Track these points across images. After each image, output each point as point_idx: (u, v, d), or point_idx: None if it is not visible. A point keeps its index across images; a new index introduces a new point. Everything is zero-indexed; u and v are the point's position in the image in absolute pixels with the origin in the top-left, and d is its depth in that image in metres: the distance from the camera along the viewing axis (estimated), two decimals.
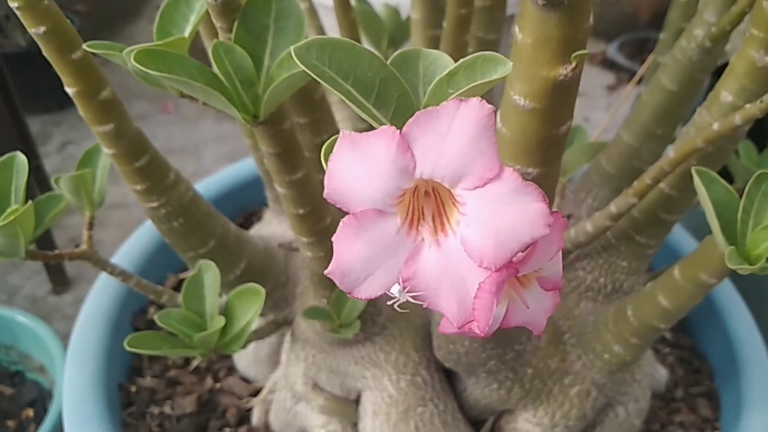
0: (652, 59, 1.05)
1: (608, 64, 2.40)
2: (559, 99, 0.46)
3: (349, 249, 0.32)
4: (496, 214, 0.31)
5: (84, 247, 0.75)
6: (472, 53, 0.37)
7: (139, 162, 0.68)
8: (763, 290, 1.02)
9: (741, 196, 0.53)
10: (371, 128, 0.32)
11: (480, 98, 0.31)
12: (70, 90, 0.63)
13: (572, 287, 0.80)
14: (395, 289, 0.33)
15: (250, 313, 0.68)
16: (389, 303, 0.33)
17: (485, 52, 0.37)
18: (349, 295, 0.33)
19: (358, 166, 0.31)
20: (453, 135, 0.31)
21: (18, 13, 0.57)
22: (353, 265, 0.32)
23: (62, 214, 0.74)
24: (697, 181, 0.50)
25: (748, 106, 0.56)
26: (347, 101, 0.35)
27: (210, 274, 0.70)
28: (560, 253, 0.37)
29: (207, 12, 0.55)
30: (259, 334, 0.81)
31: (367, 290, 0.32)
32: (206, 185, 1.13)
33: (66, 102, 1.56)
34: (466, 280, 0.32)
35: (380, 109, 0.36)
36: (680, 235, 1.02)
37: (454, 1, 0.73)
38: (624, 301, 0.71)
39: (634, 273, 0.78)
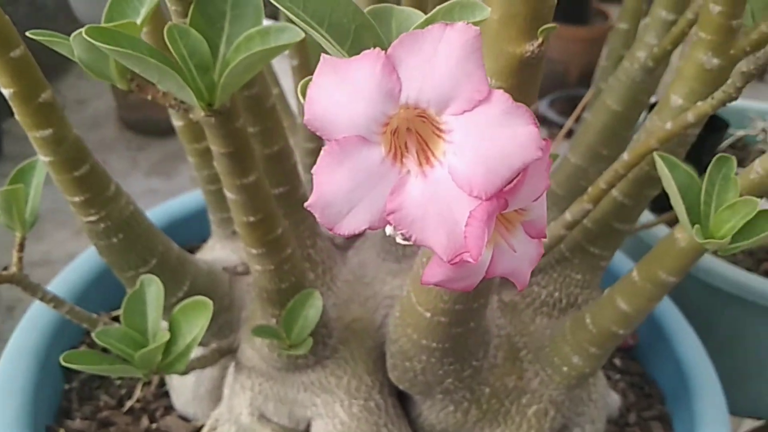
0: (579, 112, 1.09)
1: (540, 119, 2.47)
2: (525, 78, 0.46)
3: (331, 178, 0.30)
4: (486, 138, 0.30)
5: (13, 269, 0.71)
6: None
7: (79, 171, 0.64)
8: (707, 315, 1.03)
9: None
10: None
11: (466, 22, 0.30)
12: (6, 91, 0.59)
13: (527, 303, 0.78)
14: (389, 230, 0.31)
15: (197, 329, 0.65)
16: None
17: None
18: (330, 231, 0.30)
19: (341, 90, 0.29)
20: (439, 57, 0.29)
21: None
22: (335, 196, 0.30)
23: None
24: (660, 164, 0.50)
25: (699, 103, 0.57)
26: (324, 45, 0.34)
27: (153, 288, 0.66)
28: (545, 195, 0.35)
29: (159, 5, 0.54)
30: (201, 363, 0.76)
31: (350, 224, 0.30)
32: None
33: None
34: (455, 210, 0.30)
35: None
36: (623, 262, 1.03)
37: None
38: (582, 310, 0.71)
39: (588, 286, 0.77)
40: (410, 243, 0.31)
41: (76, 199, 0.66)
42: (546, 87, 2.55)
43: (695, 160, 1.08)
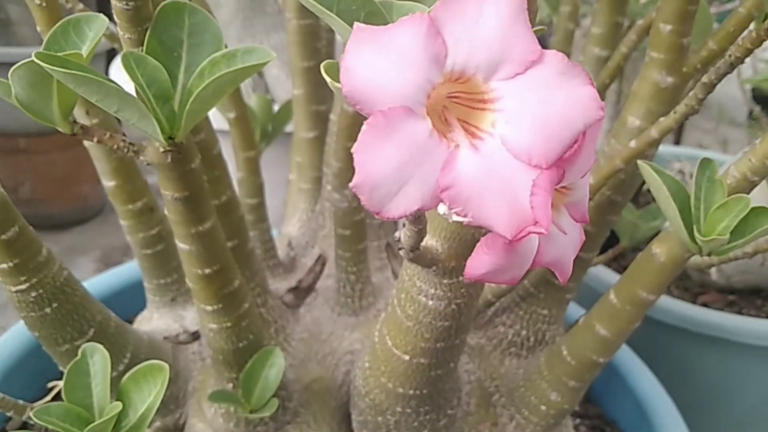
0: None
1: None
2: None
3: (378, 155, 0.26)
4: (543, 102, 0.27)
5: None
6: None
7: (7, 234, 0.58)
8: (655, 350, 1.03)
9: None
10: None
11: None
12: None
13: (494, 345, 0.76)
14: (442, 209, 0.28)
15: (151, 397, 0.58)
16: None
17: None
18: (377, 216, 0.27)
19: (383, 57, 0.26)
20: (486, 18, 0.27)
21: None
22: (384, 175, 0.26)
23: None
24: (648, 170, 0.49)
25: (662, 119, 0.57)
26: (336, 28, 0.31)
27: (97, 357, 0.59)
28: (589, 173, 0.33)
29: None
30: None
31: (401, 205, 0.26)
32: None
33: None
34: (515, 182, 0.28)
35: None
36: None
37: None
38: (556, 342, 0.68)
39: (555, 321, 0.75)
40: (465, 219, 0.28)
41: (4, 265, 0.59)
42: None
43: (634, 199, 1.11)
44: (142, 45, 0.46)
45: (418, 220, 0.41)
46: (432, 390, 0.62)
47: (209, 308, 0.61)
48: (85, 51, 0.48)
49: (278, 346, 0.68)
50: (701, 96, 0.55)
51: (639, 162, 0.50)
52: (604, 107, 0.28)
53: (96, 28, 0.49)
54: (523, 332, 0.75)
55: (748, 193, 0.52)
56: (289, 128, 0.97)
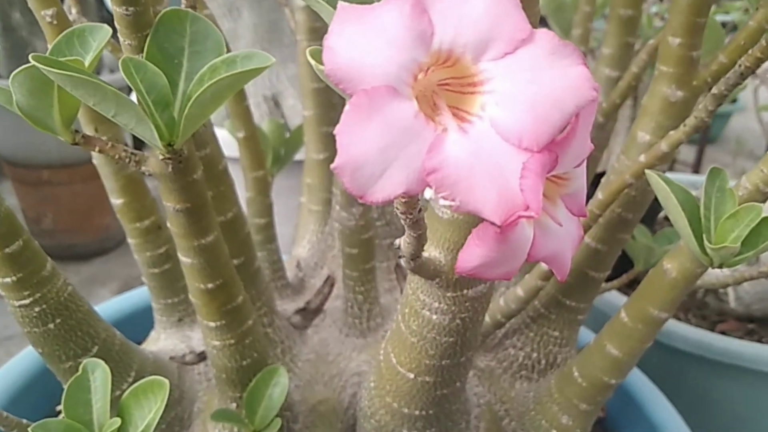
0: None
1: None
2: None
3: (360, 135, 0.25)
4: (533, 82, 0.27)
5: None
6: None
7: (11, 247, 0.58)
8: (672, 378, 1.01)
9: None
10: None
11: None
12: None
13: (504, 368, 0.74)
14: (428, 193, 0.27)
15: (151, 413, 0.57)
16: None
17: None
18: (360, 200, 0.26)
19: (366, 36, 0.26)
20: None
21: None
22: (366, 156, 0.25)
23: None
24: (657, 181, 0.48)
25: (672, 132, 0.56)
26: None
27: (98, 373, 0.58)
28: (585, 164, 0.32)
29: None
30: None
31: (385, 188, 0.25)
32: None
33: None
34: (504, 165, 0.26)
35: None
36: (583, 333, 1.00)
37: None
38: (567, 363, 0.67)
39: (566, 344, 0.73)
40: (452, 203, 0.27)
41: (8, 279, 0.59)
42: None
43: (649, 222, 1.09)
44: (143, 51, 0.46)
45: (416, 225, 0.40)
46: (438, 411, 0.60)
47: (212, 324, 0.60)
48: (87, 59, 0.48)
49: (283, 366, 0.67)
50: (711, 108, 0.54)
51: (647, 171, 0.49)
52: (599, 88, 0.27)
53: (100, 38, 0.49)
54: (534, 355, 0.73)
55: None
56: (301, 155, 0.97)
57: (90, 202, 2.05)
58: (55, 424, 0.57)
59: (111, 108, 0.42)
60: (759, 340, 1.06)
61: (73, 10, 0.71)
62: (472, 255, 0.29)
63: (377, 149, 0.25)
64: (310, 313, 0.79)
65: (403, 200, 0.37)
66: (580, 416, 0.65)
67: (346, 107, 0.25)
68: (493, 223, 0.27)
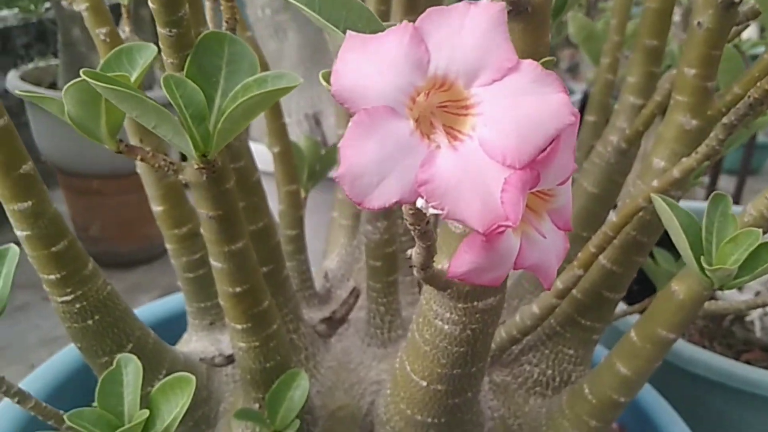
0: None
1: None
2: None
3: (361, 149, 0.29)
4: (517, 106, 0.30)
5: None
6: None
7: (57, 247, 0.62)
8: (692, 404, 1.01)
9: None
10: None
11: None
12: None
13: (519, 383, 0.76)
14: (420, 202, 0.30)
15: (178, 407, 0.60)
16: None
17: None
18: (359, 206, 0.29)
19: (369, 62, 0.29)
20: (467, 29, 0.30)
21: None
22: (366, 167, 0.29)
23: None
24: (660, 204, 0.50)
25: (684, 159, 0.58)
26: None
27: (131, 368, 0.62)
28: (570, 183, 0.35)
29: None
30: None
31: (381, 196, 0.29)
32: None
33: None
34: (489, 180, 0.30)
35: None
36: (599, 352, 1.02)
37: None
38: (579, 381, 0.68)
39: (581, 362, 0.75)
40: (443, 213, 0.30)
41: (52, 276, 0.63)
42: None
43: (672, 246, 1.10)
44: (182, 70, 0.50)
45: (425, 236, 0.43)
46: (450, 419, 0.63)
47: (239, 327, 0.63)
48: (134, 75, 0.53)
49: (306, 371, 0.70)
50: (722, 137, 0.56)
51: (652, 195, 0.52)
52: (577, 114, 0.30)
53: (146, 56, 0.54)
54: (549, 372, 0.75)
55: (765, 232, 0.53)
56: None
57: (135, 213, 2.12)
58: (88, 413, 0.61)
59: (152, 120, 0.46)
60: None
61: (126, 29, 0.76)
62: (462, 261, 0.32)
63: (375, 161, 0.29)
64: (335, 323, 0.82)
65: (411, 212, 0.40)
66: None
67: (350, 124, 0.29)
68: (477, 232, 0.30)
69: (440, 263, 0.52)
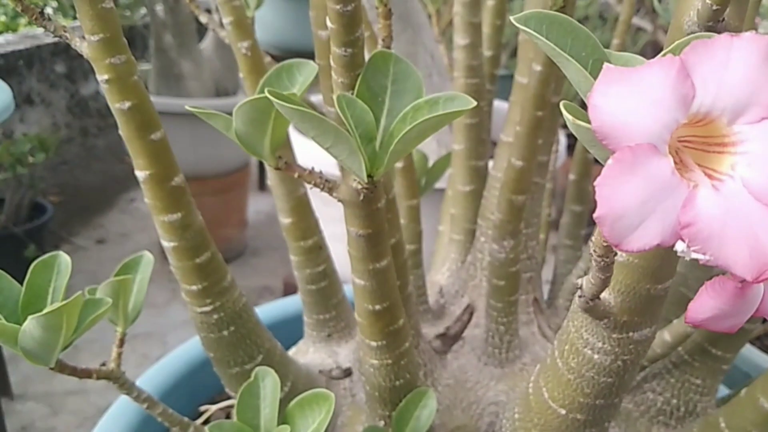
0: None
1: None
2: None
3: (622, 189, 0.28)
4: None
5: (112, 366, 0.68)
6: None
7: (200, 258, 0.64)
8: None
9: None
10: None
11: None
12: (141, 174, 0.60)
13: (641, 411, 0.75)
14: (680, 246, 0.30)
15: (315, 423, 0.61)
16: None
17: None
18: (616, 248, 0.29)
19: (632, 96, 0.29)
20: (735, 62, 0.29)
21: (105, 86, 0.56)
22: (627, 208, 0.28)
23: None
24: None
25: None
26: (570, 71, 0.34)
27: (269, 381, 0.63)
28: None
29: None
30: None
31: (641, 238, 0.29)
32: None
33: None
34: (756, 224, 0.29)
35: None
36: None
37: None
38: (712, 413, 0.67)
39: (708, 393, 0.74)
40: (705, 259, 0.29)
41: (194, 287, 0.65)
42: None
43: None
44: (352, 89, 0.51)
45: (607, 268, 0.43)
46: None
47: (374, 344, 0.64)
48: (298, 90, 0.54)
49: (432, 388, 0.70)
50: None
51: None
52: None
53: (306, 74, 0.55)
54: (674, 401, 0.74)
55: None
56: (438, 184, 1.01)
57: (215, 215, 2.16)
58: (228, 425, 0.62)
59: (329, 140, 0.47)
60: None
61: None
62: (704, 307, 0.32)
63: (637, 202, 0.28)
64: (449, 339, 0.82)
65: (604, 244, 0.40)
66: None
67: (609, 161, 0.29)
68: (741, 279, 0.29)
69: None
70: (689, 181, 0.30)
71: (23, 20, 2.64)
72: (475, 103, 0.47)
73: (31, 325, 0.53)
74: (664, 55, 0.30)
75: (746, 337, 0.70)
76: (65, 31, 0.55)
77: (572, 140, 1.71)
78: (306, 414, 0.62)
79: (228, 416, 0.93)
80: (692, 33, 0.37)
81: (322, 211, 0.83)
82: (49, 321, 0.55)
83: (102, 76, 0.55)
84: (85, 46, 0.54)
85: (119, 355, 0.69)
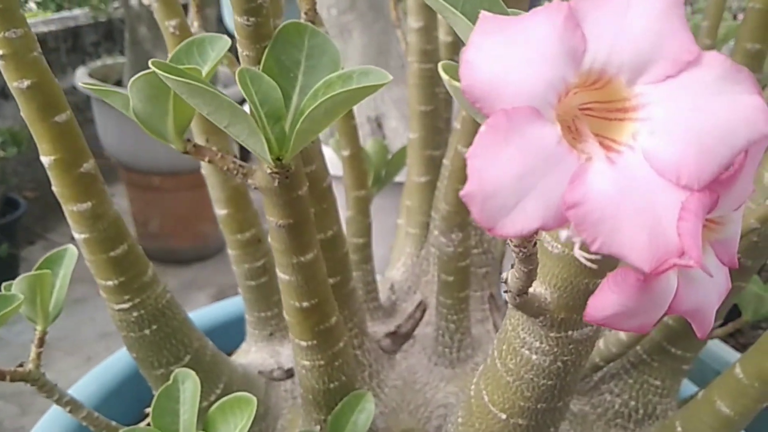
0: None
1: None
2: None
3: (495, 160, 0.23)
4: (698, 110, 0.24)
5: (30, 367, 0.63)
6: None
7: (116, 251, 0.59)
8: None
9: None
10: None
11: None
12: (46, 159, 0.55)
13: (598, 414, 0.70)
14: (564, 234, 0.24)
15: (237, 429, 0.56)
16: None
17: None
18: (489, 232, 0.23)
19: (511, 49, 0.24)
20: (635, 10, 0.24)
21: (2, 63, 0.51)
22: (500, 184, 0.23)
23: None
24: None
25: None
26: None
27: (188, 384, 0.58)
28: (743, 208, 0.29)
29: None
30: None
31: (518, 221, 0.23)
32: None
33: None
34: (657, 203, 0.24)
35: None
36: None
37: None
38: (670, 416, 0.63)
39: (668, 394, 0.69)
40: (593, 255, 0.24)
41: (110, 282, 0.60)
42: None
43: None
44: (260, 63, 0.46)
45: (528, 260, 0.38)
46: None
47: (303, 343, 0.59)
48: (205, 69, 0.49)
49: (370, 391, 0.65)
50: None
51: None
52: None
53: (218, 49, 0.50)
54: (632, 403, 0.69)
55: None
56: (400, 177, 0.96)
57: (193, 210, 2.12)
58: (142, 431, 0.57)
59: (225, 118, 0.42)
60: None
61: (195, 24, 0.72)
62: (606, 303, 0.26)
63: (513, 177, 0.23)
64: (400, 338, 0.78)
65: None
66: None
67: (482, 128, 0.23)
68: (638, 270, 0.24)
69: (533, 287, 0.47)
70: (581, 154, 0.24)
71: None
72: (390, 78, 0.42)
73: None
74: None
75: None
76: None
77: None
78: (228, 419, 0.58)
79: None
80: None
81: None
82: None
83: None
84: None
85: (38, 355, 0.64)
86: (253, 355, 0.77)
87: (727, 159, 0.24)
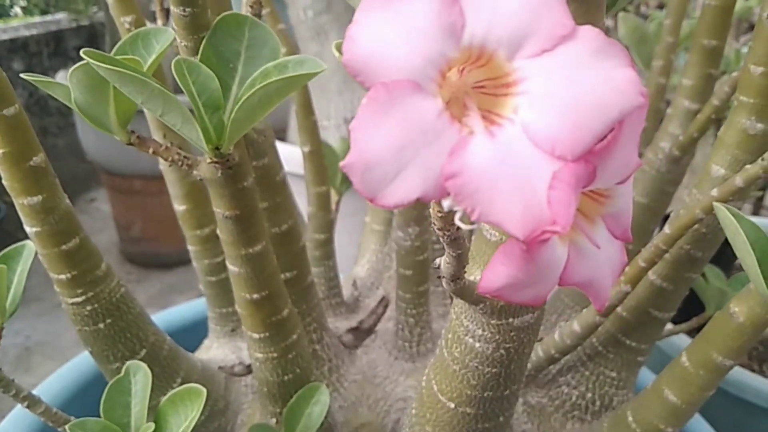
0: None
1: None
2: None
3: (376, 132, 0.23)
4: (571, 83, 0.24)
5: None
6: None
7: (68, 245, 0.59)
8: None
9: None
10: None
11: None
12: None
13: (556, 406, 0.70)
14: (446, 204, 0.25)
15: (187, 420, 0.56)
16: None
17: None
18: (371, 203, 0.24)
19: (391, 25, 0.24)
20: None
21: None
22: (380, 154, 0.23)
23: None
24: (724, 215, 0.45)
25: (748, 166, 0.52)
26: None
27: (140, 377, 0.59)
28: (631, 183, 0.29)
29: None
30: None
31: (397, 191, 0.24)
32: None
33: None
34: (533, 174, 0.24)
35: None
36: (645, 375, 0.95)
37: None
38: (622, 406, 0.63)
39: (624, 386, 0.69)
40: (472, 225, 0.25)
41: (62, 276, 0.60)
42: None
43: (724, 264, 1.03)
44: (197, 54, 0.46)
45: (455, 243, 0.38)
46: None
47: (256, 336, 0.59)
48: (149, 61, 0.49)
49: (325, 383, 0.66)
50: None
51: (715, 204, 0.46)
52: (646, 94, 0.25)
53: (162, 41, 0.50)
54: (589, 395, 0.70)
55: None
56: None
57: (175, 214, 2.11)
58: (92, 423, 0.57)
59: (158, 107, 0.42)
60: None
61: (159, 21, 0.72)
62: (497, 274, 0.27)
63: (393, 148, 0.23)
64: (362, 333, 0.78)
65: (440, 215, 0.35)
66: None
67: (364, 101, 0.24)
68: (517, 239, 0.25)
69: (473, 274, 0.47)
70: (464, 127, 0.25)
71: None
72: (324, 67, 0.43)
73: None
74: None
75: (660, 327, 0.66)
76: None
77: None
78: (178, 411, 0.58)
79: None
80: None
81: None
82: None
83: None
84: None
85: None
86: (214, 350, 0.77)
87: (601, 130, 0.24)
